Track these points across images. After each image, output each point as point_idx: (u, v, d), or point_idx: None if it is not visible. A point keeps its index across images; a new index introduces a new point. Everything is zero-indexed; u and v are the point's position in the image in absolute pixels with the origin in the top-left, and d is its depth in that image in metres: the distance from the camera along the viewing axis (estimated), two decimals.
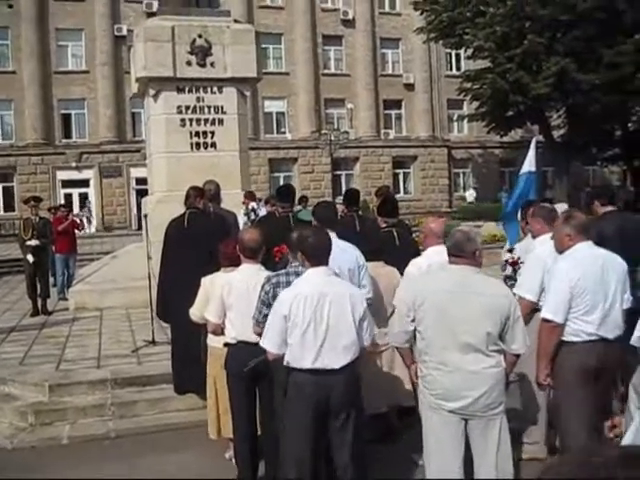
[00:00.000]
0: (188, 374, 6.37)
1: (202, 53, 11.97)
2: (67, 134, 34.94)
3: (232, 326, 4.79)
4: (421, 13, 30.91)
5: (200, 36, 11.94)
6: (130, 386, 7.10)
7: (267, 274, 4.61)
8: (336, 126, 36.31)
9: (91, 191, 34.54)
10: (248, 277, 4.71)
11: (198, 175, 10.67)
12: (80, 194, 34.47)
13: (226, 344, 4.87)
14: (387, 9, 40.03)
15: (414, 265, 5.48)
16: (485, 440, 4.08)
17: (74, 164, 34.07)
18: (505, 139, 34.75)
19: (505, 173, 40.74)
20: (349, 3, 38.92)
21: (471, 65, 31.61)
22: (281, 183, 37.74)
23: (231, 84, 12.09)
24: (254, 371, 4.60)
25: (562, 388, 4.49)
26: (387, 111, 40.31)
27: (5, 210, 32.62)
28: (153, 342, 8.40)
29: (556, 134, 30.93)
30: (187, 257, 6.67)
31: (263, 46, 37.45)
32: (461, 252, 4.12)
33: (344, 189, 36.72)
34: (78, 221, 14.37)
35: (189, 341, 6.14)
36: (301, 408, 4.02)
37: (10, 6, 33.11)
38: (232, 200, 10.57)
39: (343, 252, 5.49)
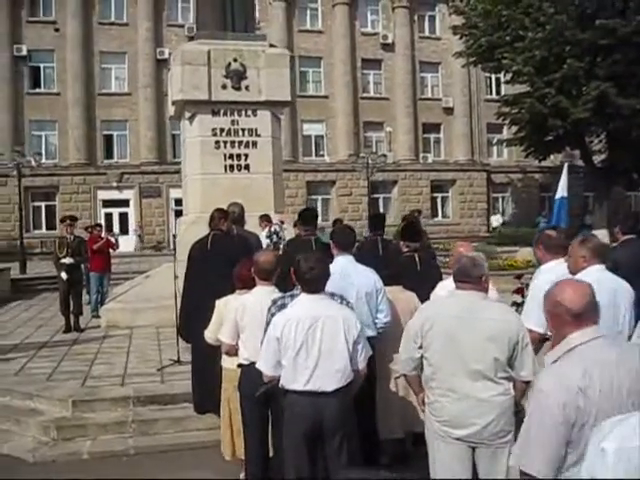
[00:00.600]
0: (207, 394, 6.41)
1: (237, 77, 12.15)
2: (109, 155, 35.72)
3: (245, 347, 4.84)
4: (460, 37, 30.94)
5: (235, 60, 12.13)
6: (152, 404, 7.18)
7: (276, 296, 4.65)
8: (375, 149, 36.40)
9: (131, 211, 35.13)
10: (261, 299, 4.76)
11: (231, 197, 10.78)
12: (120, 214, 35.09)
13: (239, 365, 4.92)
14: (427, 33, 40.17)
15: (442, 288, 5.46)
16: (493, 469, 4.02)
17: (115, 184, 34.75)
18: (545, 163, 34.43)
19: (545, 198, 40.32)
20: (389, 27, 39.19)
21: (511, 89, 31.48)
22: (319, 206, 38.00)
23: (265, 107, 12.24)
24: (266, 393, 4.64)
25: None
26: (426, 135, 40.31)
27: (47, 228, 33.32)
28: (178, 361, 8.48)
29: (597, 159, 30.54)
30: (209, 278, 6.74)
31: (302, 69, 38.05)
32: (467, 277, 4.11)
33: (381, 212, 36.88)
34: (113, 240, 14.60)
35: (208, 362, 6.18)
36: (296, 429, 4.09)
37: (57, 30, 34.46)
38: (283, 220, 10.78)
39: (361, 275, 5.52)
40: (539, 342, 4.65)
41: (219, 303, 5.45)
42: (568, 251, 4.74)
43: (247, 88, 12.13)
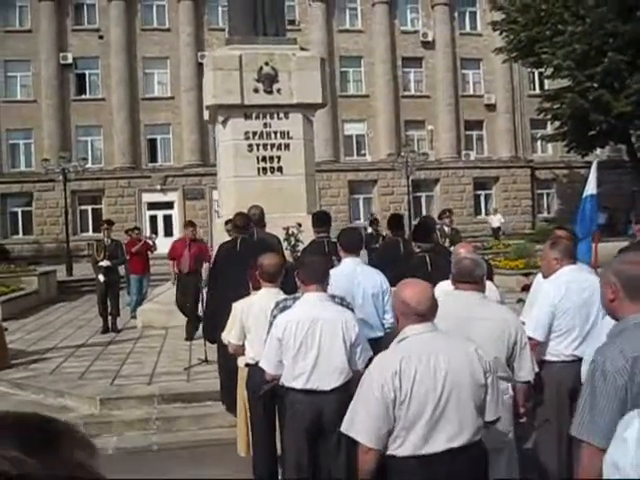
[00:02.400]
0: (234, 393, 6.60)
1: (269, 80, 12.32)
2: (153, 158, 36.41)
3: (251, 348, 5.02)
4: (500, 33, 30.67)
5: (267, 64, 12.30)
6: (176, 402, 7.44)
7: (279, 298, 4.82)
8: (416, 148, 36.29)
9: (175, 213, 35.73)
10: (265, 301, 4.93)
11: (264, 199, 11.00)
12: (164, 216, 35.75)
13: (247, 365, 5.10)
14: (467, 30, 39.85)
15: (438, 288, 5.54)
16: (491, 469, 4.09)
17: (159, 187, 35.41)
18: (591, 158, 33.83)
19: None
20: (429, 25, 39.01)
21: (553, 84, 31.07)
22: (361, 205, 38.08)
23: (297, 110, 12.38)
24: (273, 391, 4.80)
25: (541, 408, 4.52)
26: (468, 132, 39.98)
27: (94, 231, 34.14)
28: (206, 361, 8.71)
29: None
30: (235, 280, 6.93)
31: (343, 69, 38.15)
32: (470, 278, 4.20)
33: (424, 211, 36.76)
34: (151, 243, 14.97)
35: (233, 361, 6.37)
36: (296, 426, 4.25)
37: (101, 37, 35.29)
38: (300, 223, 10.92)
39: (367, 277, 5.64)
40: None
41: (235, 305, 5.63)
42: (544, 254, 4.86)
43: (279, 91, 12.28)
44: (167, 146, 36.55)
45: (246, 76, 12.15)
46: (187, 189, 35.45)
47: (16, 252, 31.88)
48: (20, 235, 34.86)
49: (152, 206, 35.62)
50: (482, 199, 39.92)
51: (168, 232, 34.96)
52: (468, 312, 4.07)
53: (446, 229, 13.04)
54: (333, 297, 4.74)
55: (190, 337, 10.66)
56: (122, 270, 14.06)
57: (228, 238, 9.13)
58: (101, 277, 12.25)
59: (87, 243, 32.47)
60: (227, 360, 6.08)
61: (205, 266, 11.20)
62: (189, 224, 12.47)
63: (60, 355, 10.08)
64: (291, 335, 4.24)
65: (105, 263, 12.26)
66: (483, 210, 39.68)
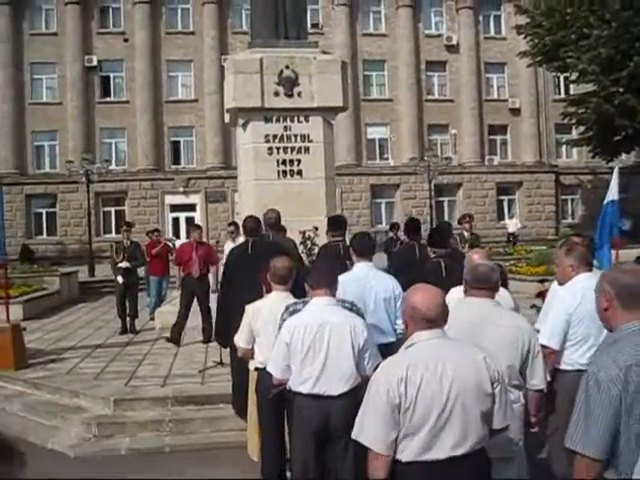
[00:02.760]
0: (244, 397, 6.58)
1: (289, 84, 12.28)
2: (176, 160, 36.65)
3: (260, 351, 5.00)
4: (525, 37, 30.46)
5: (287, 67, 12.26)
6: (189, 404, 7.43)
7: (289, 302, 4.79)
8: (439, 152, 36.12)
9: (197, 215, 35.90)
10: (275, 304, 4.91)
11: (284, 202, 10.98)
12: (187, 218, 35.92)
13: (256, 368, 5.07)
14: (492, 33, 39.65)
15: (450, 294, 5.48)
16: (502, 477, 4.04)
17: (182, 189, 35.64)
18: (616, 164, 33.43)
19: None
20: (453, 28, 38.87)
21: (579, 89, 30.76)
22: (383, 209, 37.98)
23: (317, 113, 12.32)
24: (281, 395, 4.77)
25: (553, 417, 4.45)
26: (492, 136, 39.76)
27: (117, 233, 34.38)
28: (221, 363, 8.69)
29: None
30: (247, 283, 6.92)
31: (366, 73, 38.13)
32: (488, 284, 4.15)
33: (447, 216, 36.54)
34: (171, 245, 15.00)
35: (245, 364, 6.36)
36: (303, 431, 4.22)
37: (126, 40, 35.61)
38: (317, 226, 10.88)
39: (379, 281, 5.61)
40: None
41: (247, 308, 5.61)
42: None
43: (299, 95, 12.22)
44: (190, 149, 36.78)
45: (267, 79, 12.11)
46: (209, 192, 35.61)
47: (40, 252, 32.25)
48: (44, 236, 35.25)
49: (175, 208, 35.84)
50: (505, 204, 39.66)
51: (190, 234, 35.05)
52: (481, 319, 4.01)
53: (466, 234, 12.95)
54: (343, 302, 4.70)
55: (175, 340, 10.62)
56: (142, 272, 14.12)
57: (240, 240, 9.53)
58: (120, 278, 12.32)
59: (110, 244, 32.85)
60: (239, 363, 6.06)
61: (212, 269, 11.22)
62: (196, 227, 12.36)
63: (77, 355, 10.14)
64: (299, 339, 4.21)
65: (124, 264, 12.32)
66: (506, 215, 39.39)
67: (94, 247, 26.61)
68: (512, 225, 35.40)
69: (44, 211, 35.20)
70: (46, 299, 16.72)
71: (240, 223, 8.38)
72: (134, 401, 7.49)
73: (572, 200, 40.97)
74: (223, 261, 10.70)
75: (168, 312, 12.63)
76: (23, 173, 35.22)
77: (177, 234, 33.54)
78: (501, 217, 39.20)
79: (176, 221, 35.64)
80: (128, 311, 12.43)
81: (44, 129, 35.37)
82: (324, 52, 13.67)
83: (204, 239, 14.94)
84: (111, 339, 11.66)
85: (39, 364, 9.55)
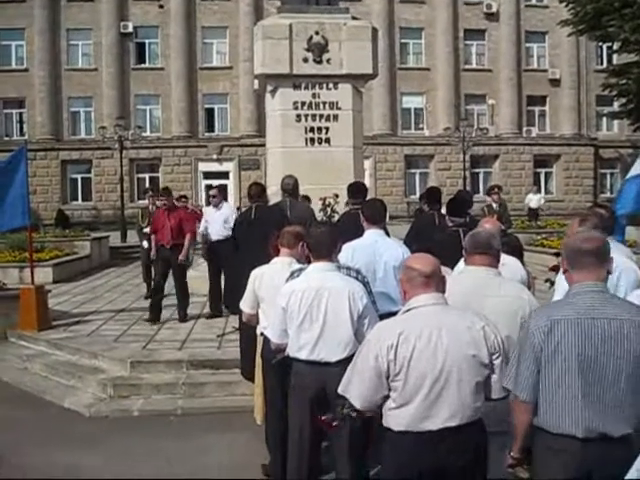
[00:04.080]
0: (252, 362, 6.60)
1: (318, 50, 12.13)
2: (210, 127, 36.71)
3: (265, 316, 4.97)
4: (566, 5, 29.57)
5: (317, 33, 12.10)
6: (204, 368, 7.49)
7: (294, 268, 4.74)
8: (476, 123, 35.60)
9: (230, 183, 36.00)
10: (278, 270, 4.86)
11: (311, 170, 10.95)
12: (220, 185, 36.00)
13: (262, 333, 5.06)
14: (533, 1, 38.67)
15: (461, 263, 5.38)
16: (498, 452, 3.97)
17: (215, 156, 35.73)
18: None
19: None
20: None
21: (622, 59, 29.91)
22: (417, 180, 37.63)
23: (346, 80, 12.17)
24: (285, 360, 4.75)
25: None
26: (530, 107, 39.00)
27: None
28: (239, 329, 8.73)
29: None
30: (253, 249, 6.89)
31: (403, 41, 37.59)
32: (489, 249, 4.03)
33: (482, 188, 36.07)
34: (198, 212, 15.06)
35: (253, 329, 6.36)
36: (300, 397, 4.21)
37: (161, 6, 35.53)
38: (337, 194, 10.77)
39: (389, 249, 5.52)
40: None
41: (252, 272, 5.59)
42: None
43: (328, 61, 12.08)
44: (224, 116, 36.78)
45: (296, 45, 11.98)
46: (243, 159, 35.65)
47: (75, 218, 32.72)
48: (79, 201, 35.75)
49: (208, 175, 36.01)
50: (542, 177, 39.02)
51: None
52: (481, 288, 3.90)
53: (494, 205, 12.75)
54: (348, 269, 4.64)
55: (155, 319, 9.79)
56: None
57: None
58: (145, 243, 12.38)
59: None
60: (246, 328, 6.07)
61: (188, 237, 10.18)
62: (164, 191, 10.88)
63: (101, 318, 10.27)
64: (295, 304, 4.17)
65: (149, 230, 12.39)
66: (543, 188, 38.75)
67: (127, 213, 26.82)
68: (535, 200, 31.16)
69: (79, 177, 35.65)
70: (76, 263, 16.94)
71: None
72: (150, 364, 7.57)
73: (611, 174, 40.15)
74: (201, 228, 10.86)
75: (192, 277, 12.69)
76: (59, 139, 35.63)
77: (209, 201, 33.66)
78: (538, 190, 38.55)
79: (209, 188, 35.60)
80: (153, 275, 12.52)
81: (80, 95, 35.66)
82: (354, 18, 13.43)
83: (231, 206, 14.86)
84: (135, 303, 11.80)
85: (62, 326, 9.71)
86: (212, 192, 11.53)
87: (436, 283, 3.25)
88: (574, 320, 2.90)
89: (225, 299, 7.54)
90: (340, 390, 3.32)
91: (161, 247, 10.25)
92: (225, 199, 15.86)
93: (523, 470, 3.44)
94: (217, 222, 10.61)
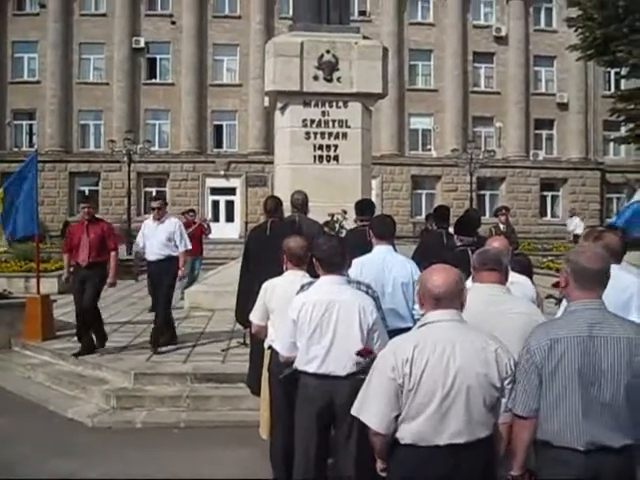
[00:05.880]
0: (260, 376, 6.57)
1: (329, 68, 12.20)
2: (218, 144, 36.88)
3: (274, 329, 4.95)
4: (575, 30, 29.72)
5: (328, 51, 12.18)
6: (209, 382, 7.46)
7: (305, 281, 4.73)
8: (483, 145, 35.68)
9: (237, 199, 36.10)
10: (290, 283, 4.85)
11: (319, 187, 10.94)
12: (227, 201, 36.18)
13: (270, 347, 5.03)
14: (542, 26, 38.89)
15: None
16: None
17: (222, 172, 35.86)
18: None
19: None
20: (502, 20, 38.23)
21: (631, 84, 30.01)
22: (423, 201, 37.65)
23: (356, 99, 12.23)
24: (294, 375, 4.72)
25: None
26: (537, 131, 39.10)
27: None
28: (244, 343, 8.70)
29: None
30: (266, 264, 6.88)
31: (412, 62, 37.77)
32: (498, 265, 4.02)
33: (488, 210, 36.03)
34: (205, 226, 15.08)
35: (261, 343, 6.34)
36: (307, 411, 4.18)
37: (173, 23, 35.87)
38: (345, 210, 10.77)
39: (398, 265, 5.51)
40: None
41: (263, 285, 5.57)
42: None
43: (339, 80, 12.14)
44: (232, 132, 36.97)
45: (306, 63, 12.05)
46: (250, 176, 35.75)
47: None
48: None
49: (215, 191, 36.14)
50: (548, 200, 39.02)
51: (229, 218, 35.51)
52: (490, 305, 3.87)
53: (501, 226, 12.76)
54: (358, 284, 4.64)
55: (83, 352, 8.56)
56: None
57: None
58: None
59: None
60: (255, 342, 6.05)
61: (113, 255, 8.95)
62: (85, 201, 9.55)
63: (105, 329, 10.23)
64: (306, 317, 4.15)
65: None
66: (549, 212, 38.79)
67: (134, 226, 26.88)
68: (580, 227, 28.91)
69: (87, 189, 35.71)
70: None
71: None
72: (154, 376, 7.55)
73: (618, 199, 40.08)
74: (139, 241, 9.34)
75: (198, 292, 12.73)
76: (68, 151, 35.82)
77: (216, 217, 33.80)
78: (544, 213, 38.62)
79: (216, 204, 35.94)
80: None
81: (90, 108, 35.91)
82: (365, 37, 13.51)
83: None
84: (140, 316, 11.80)
85: (67, 336, 9.69)
86: (154, 204, 9.33)
87: (453, 299, 3.22)
88: (574, 338, 2.99)
89: (237, 313, 7.47)
90: (354, 412, 3.27)
91: (76, 266, 8.80)
92: (192, 211, 15.70)
93: None
94: (157, 238, 8.96)
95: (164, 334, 8.96)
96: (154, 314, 9.28)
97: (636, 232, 7.86)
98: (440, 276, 3.23)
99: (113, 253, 8.93)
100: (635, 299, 4.24)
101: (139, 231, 9.67)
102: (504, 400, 3.15)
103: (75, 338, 9.11)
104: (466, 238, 6.61)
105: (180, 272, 9.27)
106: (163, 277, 8.88)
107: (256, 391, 6.93)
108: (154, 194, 34.91)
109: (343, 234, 8.54)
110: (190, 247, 9.54)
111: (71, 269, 9.10)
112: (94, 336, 8.81)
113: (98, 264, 8.72)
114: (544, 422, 3.05)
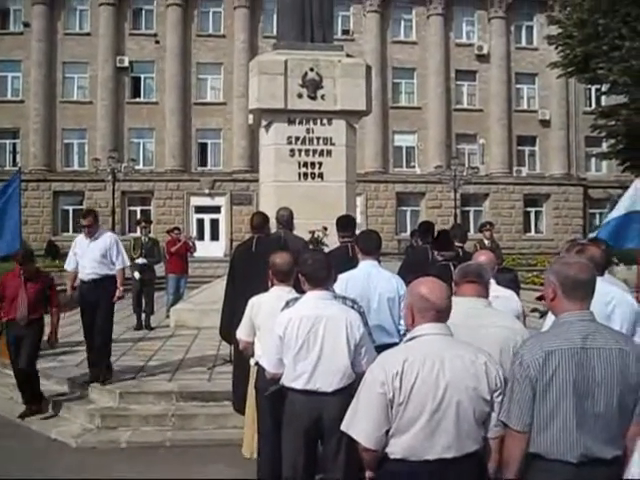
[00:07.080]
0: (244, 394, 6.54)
1: (313, 86, 12.24)
2: (203, 162, 36.92)
3: (260, 345, 4.94)
4: (556, 48, 30.10)
5: (312, 69, 12.23)
6: (194, 400, 7.41)
7: (290, 297, 4.73)
8: (467, 162, 35.92)
9: (222, 217, 36.06)
10: (276, 299, 4.84)
11: (304, 204, 10.91)
12: (211, 220, 36.12)
13: (256, 363, 5.02)
14: (524, 44, 39.38)
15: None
16: None
17: (207, 191, 35.85)
18: None
19: None
20: (484, 38, 38.67)
21: (610, 101, 30.39)
22: (408, 218, 37.79)
23: (340, 116, 12.26)
24: (280, 392, 4.70)
25: None
26: (520, 147, 39.46)
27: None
28: (230, 361, 8.65)
29: None
30: (252, 280, 6.88)
31: (395, 80, 38.05)
32: (479, 278, 4.01)
33: (472, 226, 36.20)
34: (190, 244, 15.05)
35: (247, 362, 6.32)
36: (295, 427, 4.15)
37: (157, 42, 35.97)
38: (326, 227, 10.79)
39: (384, 281, 5.52)
40: None
41: (249, 301, 5.56)
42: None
43: (323, 97, 12.18)
44: (217, 151, 37.04)
45: (291, 81, 12.08)
46: (235, 194, 35.76)
47: (65, 249, 32.26)
48: (70, 233, 35.51)
49: (200, 210, 36.11)
50: (532, 216, 39.29)
51: (214, 236, 35.43)
52: (472, 318, 3.85)
53: (486, 242, 12.79)
54: (344, 299, 4.64)
55: (27, 414, 7.58)
56: (162, 271, 14.14)
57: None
58: (136, 274, 12.37)
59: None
60: (240, 359, 6.03)
61: (54, 311, 8.10)
62: (23, 257, 8.03)
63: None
64: (293, 332, 4.14)
65: (141, 261, 12.37)
66: (533, 228, 39.05)
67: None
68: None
69: (71, 208, 35.58)
70: (63, 294, 16.74)
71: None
72: (139, 394, 7.49)
73: (600, 214, 40.35)
74: (69, 262, 8.38)
75: (183, 310, 12.68)
76: (52, 170, 35.71)
77: (201, 235, 33.73)
78: (527, 229, 38.87)
79: (201, 222, 35.86)
80: (144, 307, 12.48)
81: (74, 127, 35.87)
82: (349, 55, 13.59)
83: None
84: (125, 334, 11.69)
85: (50, 355, 9.59)
86: (84, 221, 8.21)
87: (446, 314, 3.23)
88: (568, 350, 2.97)
89: (221, 330, 7.43)
90: (343, 427, 3.23)
91: (11, 323, 7.70)
92: (177, 229, 15.05)
93: None
94: (90, 256, 8.05)
95: (102, 371, 7.94)
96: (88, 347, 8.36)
97: (625, 244, 7.92)
98: (439, 289, 3.23)
99: (54, 310, 8.08)
100: (617, 310, 4.28)
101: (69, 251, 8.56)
102: (494, 414, 3.14)
103: (60, 357, 9.06)
104: (446, 253, 6.64)
105: (118, 292, 8.16)
106: (100, 301, 7.96)
107: (240, 409, 6.92)
108: (139, 213, 35.21)
109: (325, 251, 8.56)
110: (128, 264, 8.89)
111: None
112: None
113: (36, 321, 7.74)
114: (537, 435, 3.02)
